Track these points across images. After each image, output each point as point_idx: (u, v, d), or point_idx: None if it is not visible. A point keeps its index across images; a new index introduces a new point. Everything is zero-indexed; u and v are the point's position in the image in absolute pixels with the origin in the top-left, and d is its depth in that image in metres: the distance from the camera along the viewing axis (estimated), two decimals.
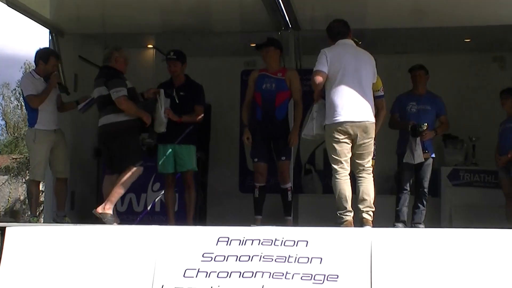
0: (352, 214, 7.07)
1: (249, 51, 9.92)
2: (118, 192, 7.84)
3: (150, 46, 10.90)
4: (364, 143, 7.18)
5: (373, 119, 7.25)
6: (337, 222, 7.07)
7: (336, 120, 7.16)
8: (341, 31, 7.44)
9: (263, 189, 8.47)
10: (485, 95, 10.34)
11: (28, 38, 39.36)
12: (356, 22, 8.96)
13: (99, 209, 7.74)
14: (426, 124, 8.34)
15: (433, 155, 8.63)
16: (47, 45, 9.61)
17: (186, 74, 8.67)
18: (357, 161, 7.22)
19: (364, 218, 7.05)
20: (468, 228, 6.21)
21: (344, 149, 7.14)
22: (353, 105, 7.13)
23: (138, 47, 9.47)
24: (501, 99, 9.35)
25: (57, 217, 8.55)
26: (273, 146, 8.42)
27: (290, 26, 9.34)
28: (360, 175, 7.19)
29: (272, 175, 8.57)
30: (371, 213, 7.11)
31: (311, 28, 9.58)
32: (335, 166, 7.16)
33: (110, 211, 7.79)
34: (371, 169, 7.28)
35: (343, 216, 7.04)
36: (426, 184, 8.55)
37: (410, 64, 8.94)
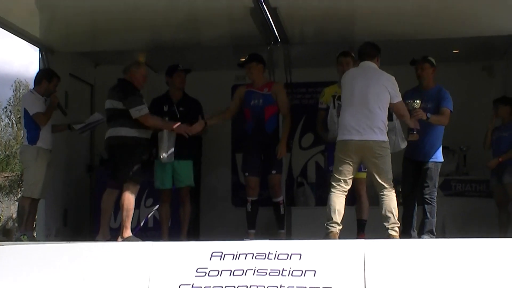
0: (339, 227, 7.09)
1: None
2: (128, 215, 7.81)
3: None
4: (374, 162, 7.21)
5: (381, 138, 7.21)
6: (325, 233, 7.11)
7: (342, 138, 7.26)
8: (366, 53, 7.52)
9: (255, 203, 8.48)
10: (475, 105, 10.37)
11: (18, 56, 39.30)
12: (345, 36, 9.06)
13: (119, 239, 7.75)
14: (418, 101, 7.76)
15: (438, 160, 8.07)
16: (37, 63, 9.66)
17: (183, 89, 8.71)
18: (374, 178, 7.24)
19: (391, 234, 7.06)
20: (461, 238, 6.24)
21: (345, 170, 7.21)
22: (355, 125, 7.18)
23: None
24: (494, 108, 9.40)
25: (22, 237, 8.42)
26: (264, 160, 8.44)
27: (279, 40, 9.36)
28: (381, 193, 7.21)
29: (264, 189, 8.59)
30: (397, 229, 7.12)
31: (300, 42, 9.63)
32: (333, 183, 7.24)
33: (129, 234, 7.80)
34: (392, 185, 7.22)
35: (329, 227, 7.09)
36: (426, 190, 7.94)
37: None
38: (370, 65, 7.47)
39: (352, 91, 7.31)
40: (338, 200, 7.15)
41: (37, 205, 8.77)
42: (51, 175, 8.81)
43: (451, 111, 8.05)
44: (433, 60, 8.18)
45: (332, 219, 7.09)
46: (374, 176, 7.23)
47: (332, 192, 7.20)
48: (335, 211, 7.10)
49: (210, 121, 8.55)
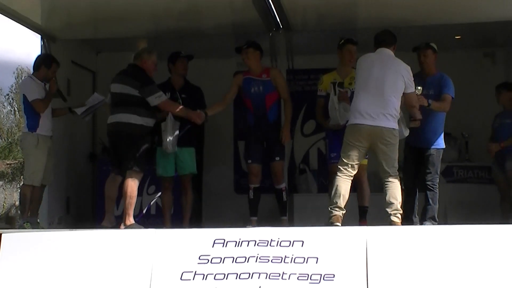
0: (342, 212, 7.10)
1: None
2: (131, 202, 7.82)
3: None
4: (382, 149, 7.21)
5: (391, 126, 7.22)
6: (328, 217, 7.12)
7: (354, 122, 7.26)
8: (383, 40, 7.52)
9: (257, 190, 8.49)
10: (477, 91, 10.35)
11: (20, 43, 39.32)
12: (347, 23, 9.04)
13: (122, 226, 7.77)
14: (420, 88, 7.73)
15: (440, 146, 8.09)
16: (39, 51, 9.64)
17: (185, 76, 8.70)
18: (381, 164, 7.26)
19: (393, 221, 7.08)
20: (463, 224, 6.25)
21: (354, 155, 7.22)
22: (369, 110, 7.18)
23: (130, 50, 9.49)
24: (496, 93, 9.40)
25: (25, 224, 8.41)
26: (267, 147, 8.44)
27: (281, 27, 9.35)
28: (386, 180, 7.22)
29: (266, 176, 8.60)
30: (399, 215, 7.13)
31: (302, 29, 9.61)
32: (340, 166, 7.24)
33: (132, 221, 7.81)
34: (397, 173, 7.24)
35: (332, 211, 7.10)
36: (429, 176, 7.97)
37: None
38: (388, 53, 7.47)
39: (368, 77, 7.30)
40: (344, 185, 7.16)
41: (42, 192, 8.76)
42: (52, 162, 8.80)
43: (452, 97, 8.05)
44: (435, 46, 8.16)
45: (336, 203, 7.11)
46: (381, 163, 7.23)
47: (338, 176, 7.21)
48: (340, 195, 7.12)
49: (210, 111, 8.51)
